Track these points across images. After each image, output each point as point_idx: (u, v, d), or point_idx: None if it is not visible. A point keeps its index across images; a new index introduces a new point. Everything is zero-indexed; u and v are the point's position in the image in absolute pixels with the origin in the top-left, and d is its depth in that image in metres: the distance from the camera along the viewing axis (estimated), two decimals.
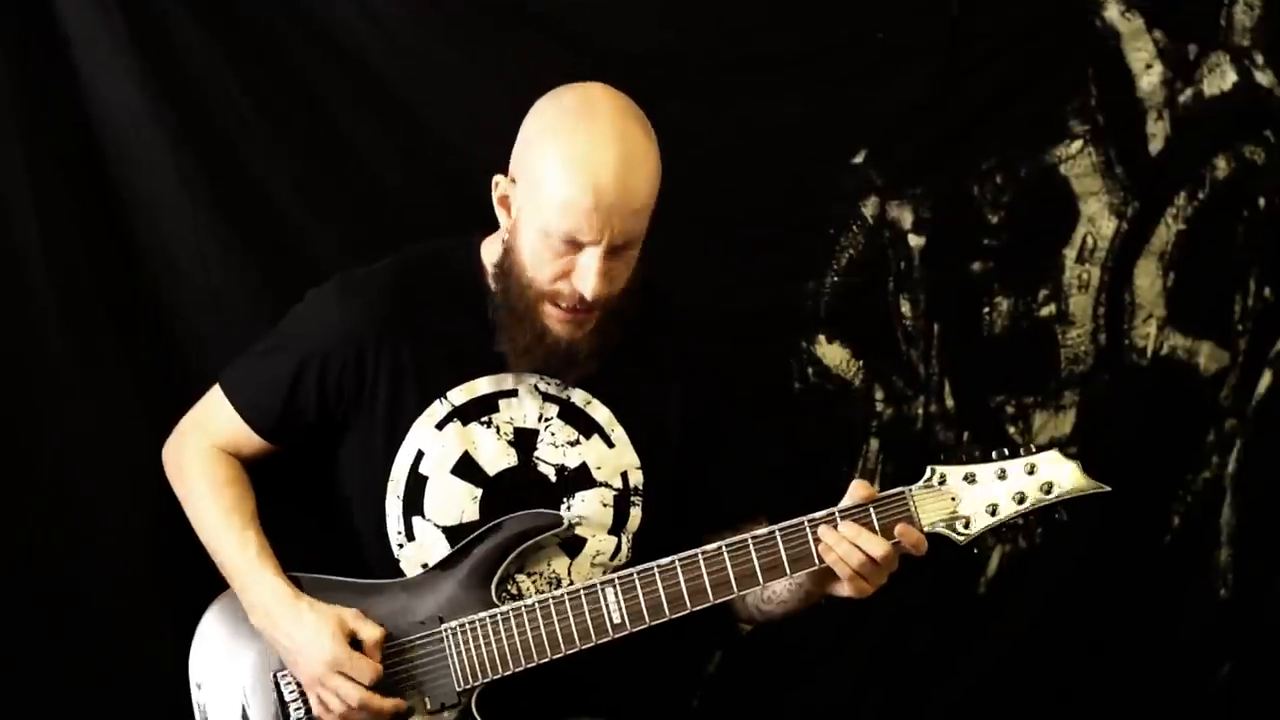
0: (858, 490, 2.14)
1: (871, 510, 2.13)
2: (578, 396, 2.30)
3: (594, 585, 2.19)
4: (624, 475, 2.31)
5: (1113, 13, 2.82)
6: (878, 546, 2.10)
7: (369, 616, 2.23)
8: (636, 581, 2.17)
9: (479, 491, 2.27)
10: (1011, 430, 2.88)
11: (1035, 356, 2.89)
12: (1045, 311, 2.88)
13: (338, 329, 2.27)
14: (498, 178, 2.25)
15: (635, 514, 2.32)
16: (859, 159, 2.78)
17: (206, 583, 2.38)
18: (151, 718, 2.55)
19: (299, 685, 2.25)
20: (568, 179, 2.11)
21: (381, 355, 2.26)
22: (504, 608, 2.20)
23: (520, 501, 2.26)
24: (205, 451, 2.35)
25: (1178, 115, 2.85)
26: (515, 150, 2.23)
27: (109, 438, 2.54)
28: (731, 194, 2.75)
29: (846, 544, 2.11)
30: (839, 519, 2.13)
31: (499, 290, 2.24)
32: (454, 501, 2.27)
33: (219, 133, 2.56)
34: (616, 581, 2.18)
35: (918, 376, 2.84)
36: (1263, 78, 2.86)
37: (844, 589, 2.15)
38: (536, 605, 2.19)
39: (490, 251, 2.30)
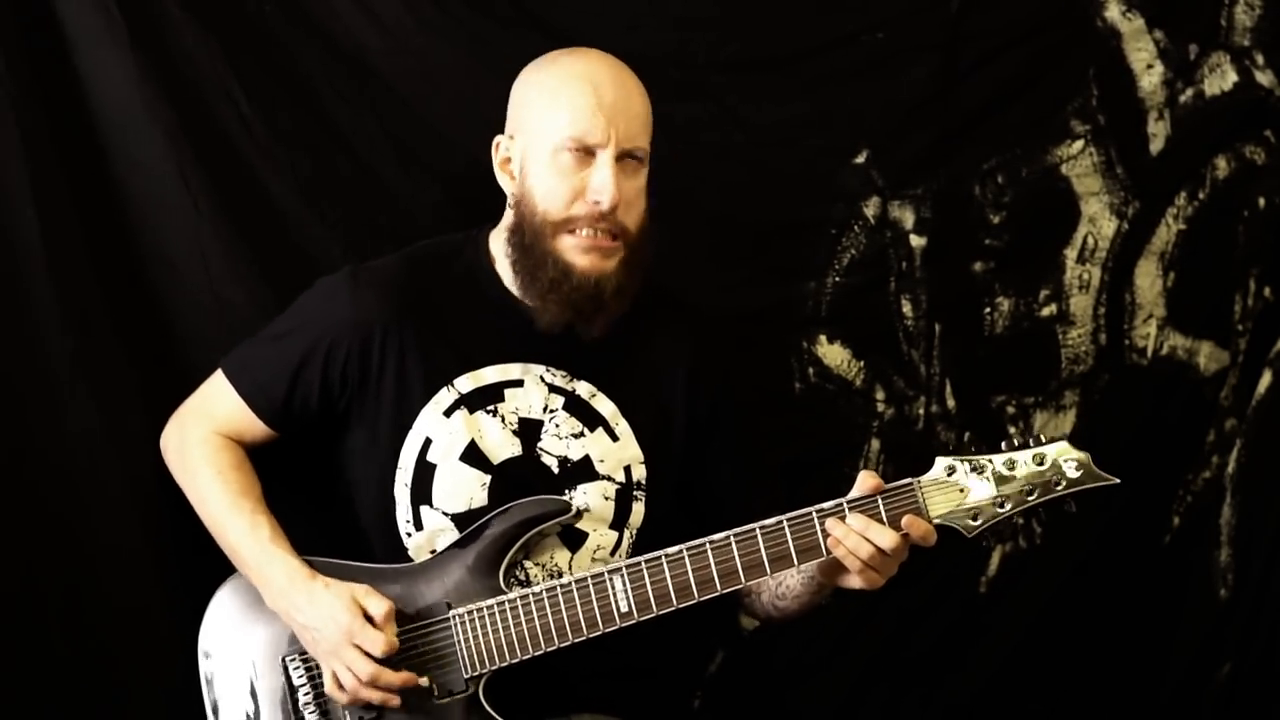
0: (865, 481, 2.14)
1: (880, 501, 2.13)
2: (583, 389, 2.31)
3: (601, 574, 2.18)
4: (627, 469, 2.32)
5: (1113, 12, 2.81)
6: (887, 538, 2.10)
7: None
8: (644, 570, 2.17)
9: (488, 478, 2.28)
10: (1012, 430, 2.88)
11: (1036, 356, 2.88)
12: (1046, 311, 2.87)
13: (347, 319, 2.29)
14: (498, 139, 2.32)
15: (638, 509, 2.32)
16: (860, 159, 2.78)
17: (207, 580, 2.38)
18: (154, 711, 2.56)
19: (307, 669, 2.25)
20: (567, 88, 2.22)
21: (389, 345, 2.27)
22: (511, 595, 2.21)
23: (524, 491, 2.27)
24: (208, 437, 2.35)
25: (1178, 115, 2.85)
26: (510, 110, 2.32)
27: (109, 436, 2.53)
28: (732, 194, 2.76)
29: (855, 536, 2.11)
30: (847, 511, 2.13)
31: (515, 248, 2.27)
32: (463, 488, 2.28)
33: (219, 132, 2.57)
34: (624, 570, 2.18)
35: (919, 376, 2.84)
36: (1263, 78, 2.85)
37: (854, 581, 2.15)
38: (544, 593, 2.19)
39: (497, 240, 2.33)
